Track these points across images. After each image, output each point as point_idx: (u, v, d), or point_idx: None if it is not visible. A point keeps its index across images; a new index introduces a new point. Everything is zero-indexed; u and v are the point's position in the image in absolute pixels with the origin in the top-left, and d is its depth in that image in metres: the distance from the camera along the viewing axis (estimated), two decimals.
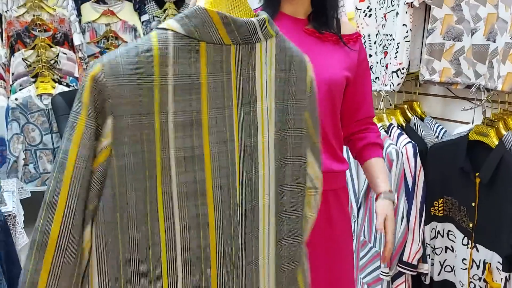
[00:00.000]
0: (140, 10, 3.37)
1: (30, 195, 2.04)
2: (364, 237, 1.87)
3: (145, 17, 3.36)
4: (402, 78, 1.82)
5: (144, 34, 3.34)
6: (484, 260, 1.52)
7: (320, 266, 1.18)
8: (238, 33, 0.69)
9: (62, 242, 0.63)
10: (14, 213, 1.59)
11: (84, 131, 0.63)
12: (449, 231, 1.68)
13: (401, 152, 1.69)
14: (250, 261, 0.75)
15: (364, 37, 2.00)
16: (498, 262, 1.45)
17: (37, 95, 2.95)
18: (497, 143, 1.46)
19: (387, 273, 1.75)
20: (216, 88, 0.68)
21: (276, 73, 0.76)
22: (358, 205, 1.89)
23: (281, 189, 0.81)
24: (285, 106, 0.78)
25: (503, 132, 1.47)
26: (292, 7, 1.17)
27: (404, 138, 1.73)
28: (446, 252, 1.70)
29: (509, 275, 1.43)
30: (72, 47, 3.13)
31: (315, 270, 1.12)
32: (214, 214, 0.69)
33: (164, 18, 3.28)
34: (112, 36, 3.25)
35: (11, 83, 2.99)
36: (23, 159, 2.96)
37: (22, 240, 1.61)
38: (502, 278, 1.44)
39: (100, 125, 0.64)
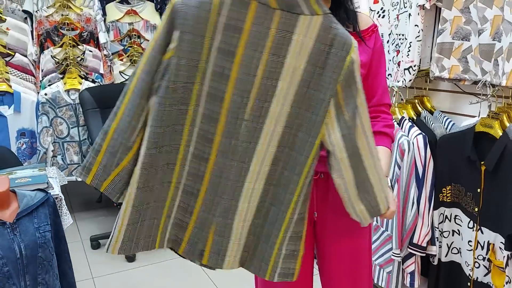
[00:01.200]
0: (161, 10, 3.48)
1: (67, 182, 2.19)
2: (377, 222, 2.00)
3: None
4: (413, 75, 1.91)
5: None
6: (488, 241, 1.63)
7: (343, 253, 1.24)
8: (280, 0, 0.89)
9: (135, 91, 0.94)
10: (60, 196, 1.74)
11: (160, 34, 0.91)
12: (456, 215, 1.78)
13: (412, 143, 1.80)
14: (247, 145, 0.96)
15: None
16: (501, 242, 1.56)
17: (65, 91, 3.09)
18: (501, 134, 1.55)
19: (398, 254, 1.88)
20: (255, 35, 0.90)
21: (316, 44, 0.92)
22: None
23: (292, 132, 0.97)
24: (318, 72, 0.93)
25: (507, 124, 1.57)
26: None
27: (415, 130, 1.83)
28: (453, 235, 1.81)
29: (511, 254, 1.54)
30: (97, 45, 3.26)
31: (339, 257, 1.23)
32: (226, 115, 0.94)
33: None
34: (135, 35, 3.37)
35: (40, 79, 3.13)
36: (52, 151, 3.10)
37: (67, 220, 1.76)
38: (504, 256, 1.55)
39: (170, 34, 0.90)
